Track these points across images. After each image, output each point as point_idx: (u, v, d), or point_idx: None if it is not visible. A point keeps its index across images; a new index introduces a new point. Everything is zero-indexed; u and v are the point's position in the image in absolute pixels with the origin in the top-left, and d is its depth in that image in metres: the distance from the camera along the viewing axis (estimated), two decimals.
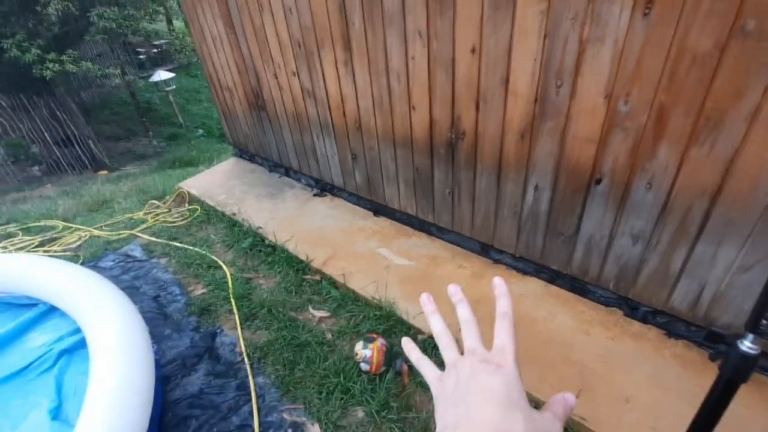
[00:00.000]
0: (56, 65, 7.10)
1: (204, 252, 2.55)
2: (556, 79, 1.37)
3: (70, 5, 7.04)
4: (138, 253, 2.66)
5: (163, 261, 2.56)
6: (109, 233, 2.95)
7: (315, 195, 2.91)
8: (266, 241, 2.51)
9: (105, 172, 7.92)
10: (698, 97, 1.14)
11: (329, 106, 2.34)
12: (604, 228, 1.51)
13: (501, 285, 0.39)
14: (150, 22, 8.47)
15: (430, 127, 1.86)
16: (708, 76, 1.10)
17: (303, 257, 2.27)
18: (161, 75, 8.63)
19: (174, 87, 8.85)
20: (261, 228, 2.60)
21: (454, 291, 0.41)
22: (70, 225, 3.21)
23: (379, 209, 2.54)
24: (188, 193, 3.29)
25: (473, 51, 1.54)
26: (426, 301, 0.43)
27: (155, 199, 3.44)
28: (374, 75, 1.97)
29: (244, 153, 3.63)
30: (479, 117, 1.65)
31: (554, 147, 1.49)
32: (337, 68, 2.14)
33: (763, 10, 0.98)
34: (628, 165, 1.34)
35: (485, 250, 2.05)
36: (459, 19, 1.52)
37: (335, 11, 1.96)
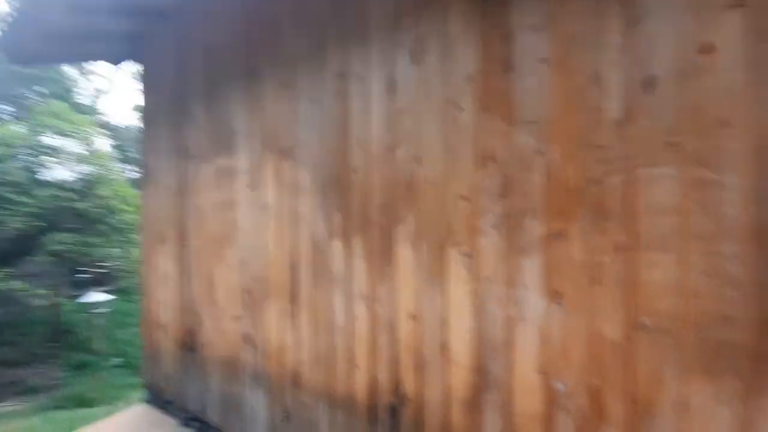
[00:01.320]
0: None
1: None
2: (492, 351, 1.42)
3: (32, 226, 7.24)
4: None
5: None
6: None
7: None
8: None
9: None
10: (627, 383, 1.19)
11: (268, 355, 2.22)
12: None
13: None
14: (106, 249, 8.72)
15: (372, 388, 1.75)
16: (629, 363, 1.19)
17: None
18: (96, 296, 8.26)
19: (105, 309, 8.36)
20: None
21: None
22: None
23: None
24: None
25: (413, 317, 1.62)
26: None
27: None
28: (318, 329, 1.98)
29: (157, 399, 3.13)
30: (421, 382, 1.60)
31: (501, 422, 1.40)
32: (281, 318, 2.14)
33: (655, 310, 1.15)
34: None
35: None
36: (398, 287, 1.67)
37: (287, 268, 2.11)
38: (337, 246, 1.91)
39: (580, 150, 1.24)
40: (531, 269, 1.33)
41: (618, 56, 1.18)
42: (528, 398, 1.34)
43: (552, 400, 1.30)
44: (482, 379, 1.44)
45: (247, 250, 2.33)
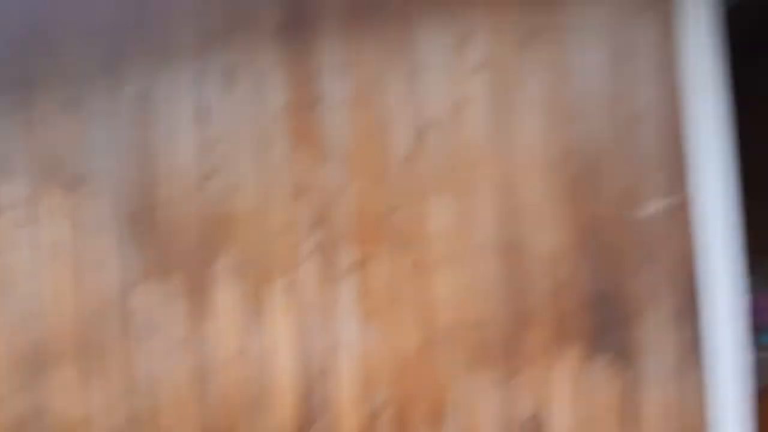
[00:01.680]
0: None
1: None
2: (316, 379, 1.46)
3: None
4: None
5: None
6: None
7: None
8: None
9: None
10: (426, 388, 1.37)
11: (64, 430, 1.82)
12: None
13: None
14: None
15: None
16: (426, 370, 1.37)
17: None
18: None
19: None
20: None
21: None
22: None
23: None
24: None
25: (237, 356, 1.55)
26: None
27: None
28: (131, 387, 1.72)
29: None
30: (249, 424, 1.54)
31: None
32: (82, 382, 1.79)
33: (442, 320, 1.35)
34: None
35: None
36: (221, 326, 1.58)
37: (86, 320, 1.78)
38: (148, 288, 1.69)
39: (378, 183, 1.38)
40: (345, 294, 1.42)
41: (403, 102, 1.37)
42: (351, 419, 1.42)
43: (371, 415, 1.40)
44: (309, 409, 1.46)
45: (25, 302, 1.88)
